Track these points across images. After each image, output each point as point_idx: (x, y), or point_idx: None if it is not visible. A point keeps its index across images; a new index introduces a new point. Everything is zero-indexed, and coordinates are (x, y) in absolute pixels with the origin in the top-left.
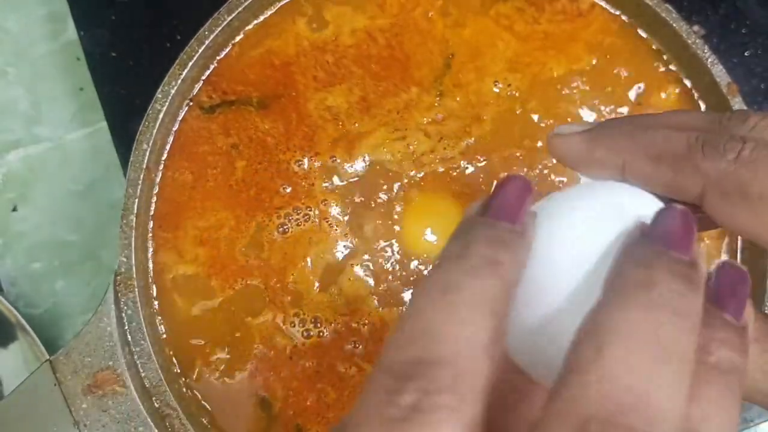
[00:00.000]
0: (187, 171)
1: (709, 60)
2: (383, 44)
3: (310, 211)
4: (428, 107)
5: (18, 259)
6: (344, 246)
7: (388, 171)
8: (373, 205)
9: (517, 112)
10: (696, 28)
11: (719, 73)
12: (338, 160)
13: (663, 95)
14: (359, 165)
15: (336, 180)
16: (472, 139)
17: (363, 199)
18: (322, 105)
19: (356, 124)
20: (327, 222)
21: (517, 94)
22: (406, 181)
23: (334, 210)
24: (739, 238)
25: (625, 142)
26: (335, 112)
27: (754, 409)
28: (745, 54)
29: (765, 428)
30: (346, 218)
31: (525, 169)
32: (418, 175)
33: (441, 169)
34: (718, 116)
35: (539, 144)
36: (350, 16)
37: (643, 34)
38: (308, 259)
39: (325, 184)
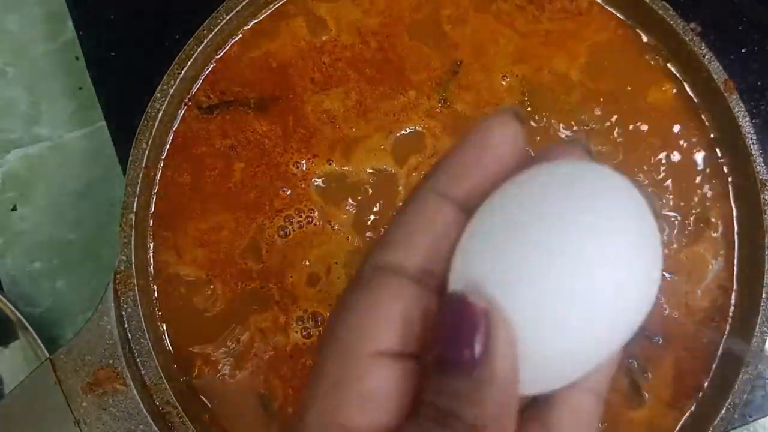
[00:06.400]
0: (186, 172)
1: (706, 57)
2: (376, 47)
3: (313, 213)
4: (427, 111)
5: (18, 259)
6: (345, 248)
7: (387, 174)
8: (374, 208)
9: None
10: (692, 25)
11: (716, 70)
12: (337, 164)
13: (660, 92)
14: (358, 168)
15: (335, 183)
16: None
17: (363, 201)
18: (319, 108)
19: (353, 129)
20: (330, 224)
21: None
22: (405, 184)
23: (335, 212)
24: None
25: None
26: (332, 115)
27: (752, 404)
28: (742, 51)
29: (763, 424)
30: (347, 220)
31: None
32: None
33: None
34: None
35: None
36: (346, 10)
37: (641, 32)
38: (309, 261)
39: (324, 187)
